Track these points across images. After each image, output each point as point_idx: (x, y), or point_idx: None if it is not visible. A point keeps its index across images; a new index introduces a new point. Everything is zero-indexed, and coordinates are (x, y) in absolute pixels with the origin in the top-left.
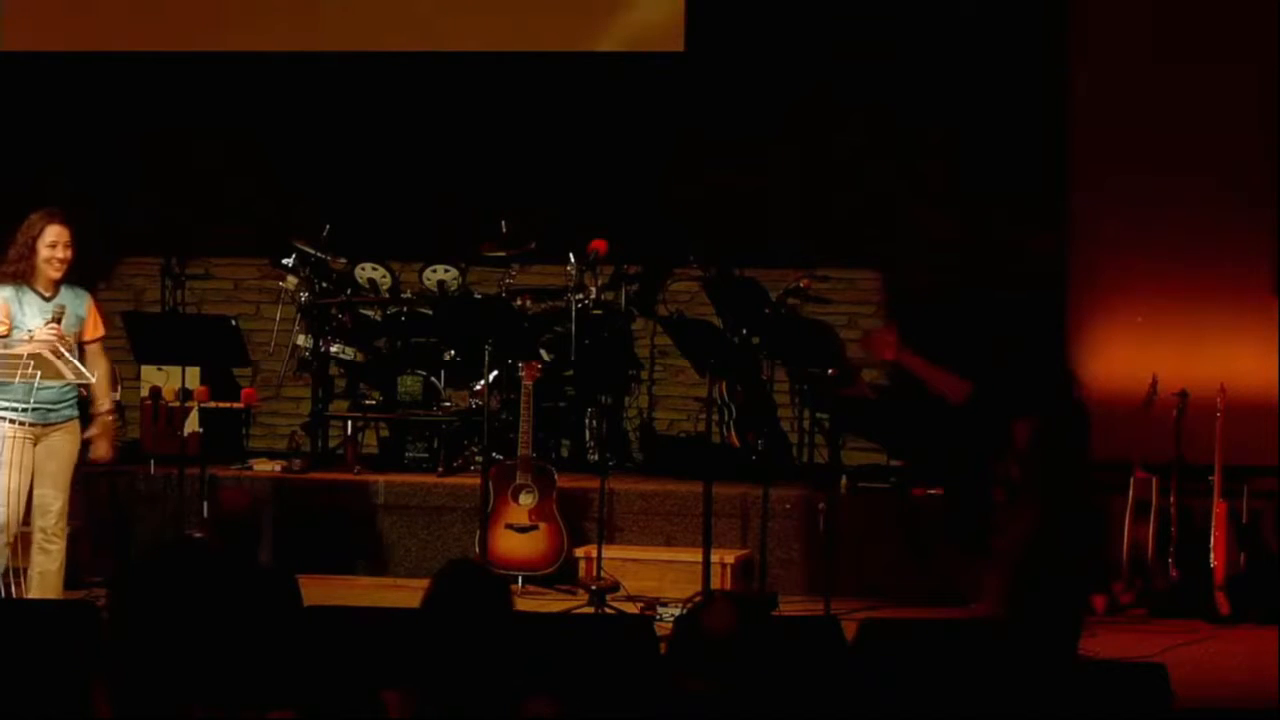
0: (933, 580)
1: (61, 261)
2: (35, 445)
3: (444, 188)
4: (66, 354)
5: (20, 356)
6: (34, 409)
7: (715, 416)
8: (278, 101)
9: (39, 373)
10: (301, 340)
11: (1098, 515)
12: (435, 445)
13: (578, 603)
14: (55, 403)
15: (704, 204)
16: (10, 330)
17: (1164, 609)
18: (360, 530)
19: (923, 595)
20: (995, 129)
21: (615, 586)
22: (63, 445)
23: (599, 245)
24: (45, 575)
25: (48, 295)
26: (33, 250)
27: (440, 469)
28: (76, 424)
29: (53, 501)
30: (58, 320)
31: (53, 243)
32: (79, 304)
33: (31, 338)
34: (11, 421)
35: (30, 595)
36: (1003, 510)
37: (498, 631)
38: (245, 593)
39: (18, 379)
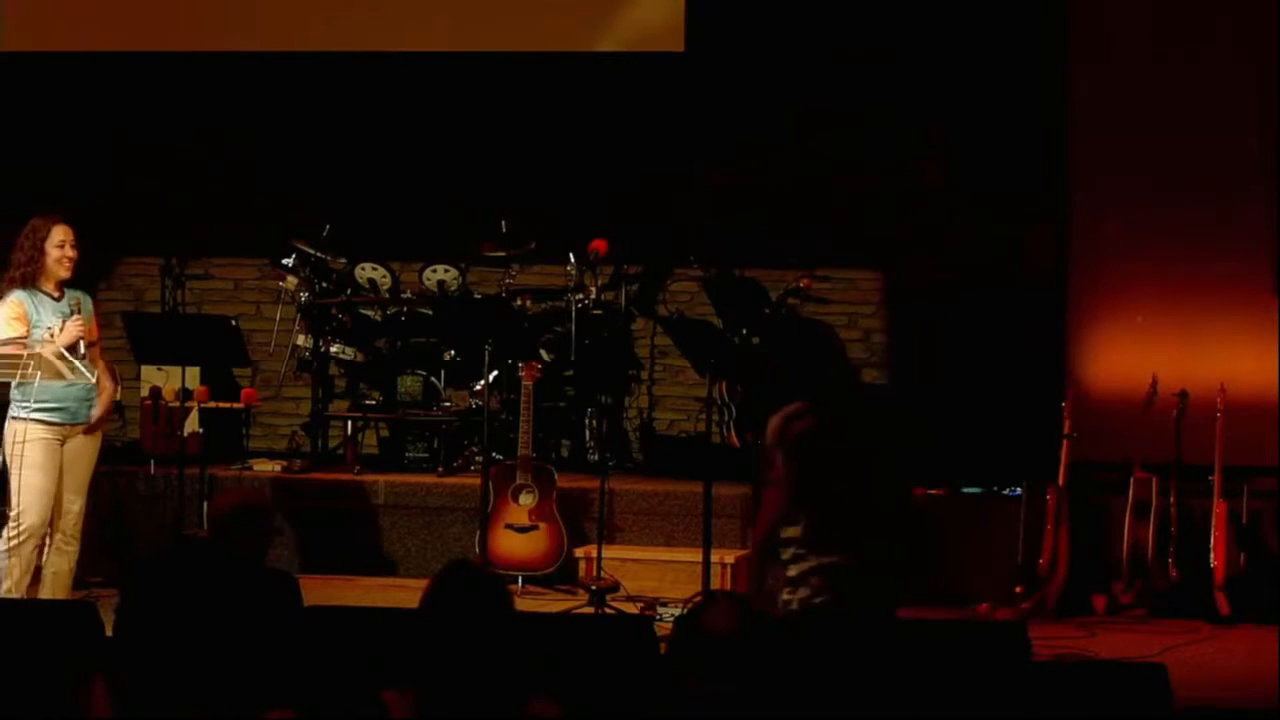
0: (932, 580)
1: (70, 260)
2: (63, 446)
3: (444, 188)
4: (67, 354)
5: (20, 356)
6: (63, 409)
7: (715, 416)
8: (278, 101)
9: (39, 373)
10: (301, 340)
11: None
12: (435, 445)
13: (578, 603)
14: (83, 400)
15: (704, 204)
16: (30, 331)
17: (1164, 609)
18: (360, 530)
19: (923, 595)
20: (995, 129)
21: (615, 586)
22: (86, 446)
23: (599, 245)
24: (59, 575)
25: (56, 296)
26: (41, 252)
27: (440, 469)
28: None
29: (73, 503)
30: (77, 311)
31: (61, 242)
32: (87, 303)
33: (53, 335)
34: (42, 423)
35: (43, 595)
36: None
37: (498, 632)
38: (245, 593)
39: (17, 379)
